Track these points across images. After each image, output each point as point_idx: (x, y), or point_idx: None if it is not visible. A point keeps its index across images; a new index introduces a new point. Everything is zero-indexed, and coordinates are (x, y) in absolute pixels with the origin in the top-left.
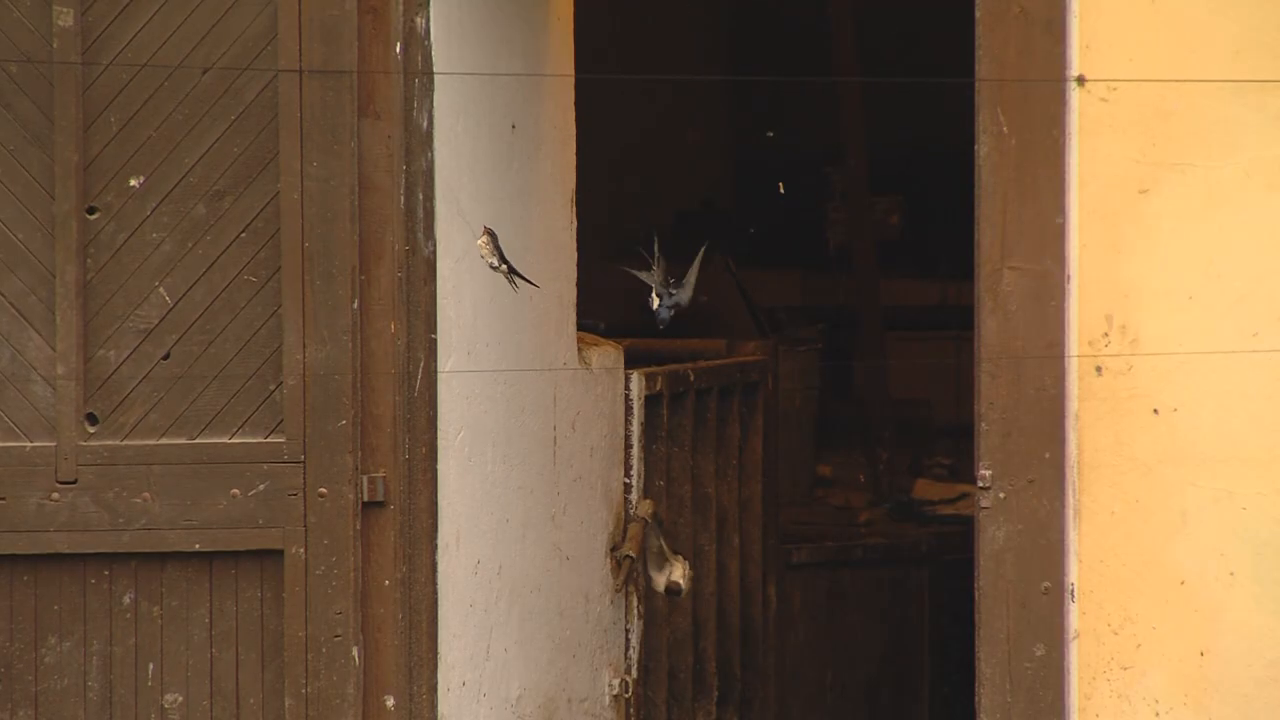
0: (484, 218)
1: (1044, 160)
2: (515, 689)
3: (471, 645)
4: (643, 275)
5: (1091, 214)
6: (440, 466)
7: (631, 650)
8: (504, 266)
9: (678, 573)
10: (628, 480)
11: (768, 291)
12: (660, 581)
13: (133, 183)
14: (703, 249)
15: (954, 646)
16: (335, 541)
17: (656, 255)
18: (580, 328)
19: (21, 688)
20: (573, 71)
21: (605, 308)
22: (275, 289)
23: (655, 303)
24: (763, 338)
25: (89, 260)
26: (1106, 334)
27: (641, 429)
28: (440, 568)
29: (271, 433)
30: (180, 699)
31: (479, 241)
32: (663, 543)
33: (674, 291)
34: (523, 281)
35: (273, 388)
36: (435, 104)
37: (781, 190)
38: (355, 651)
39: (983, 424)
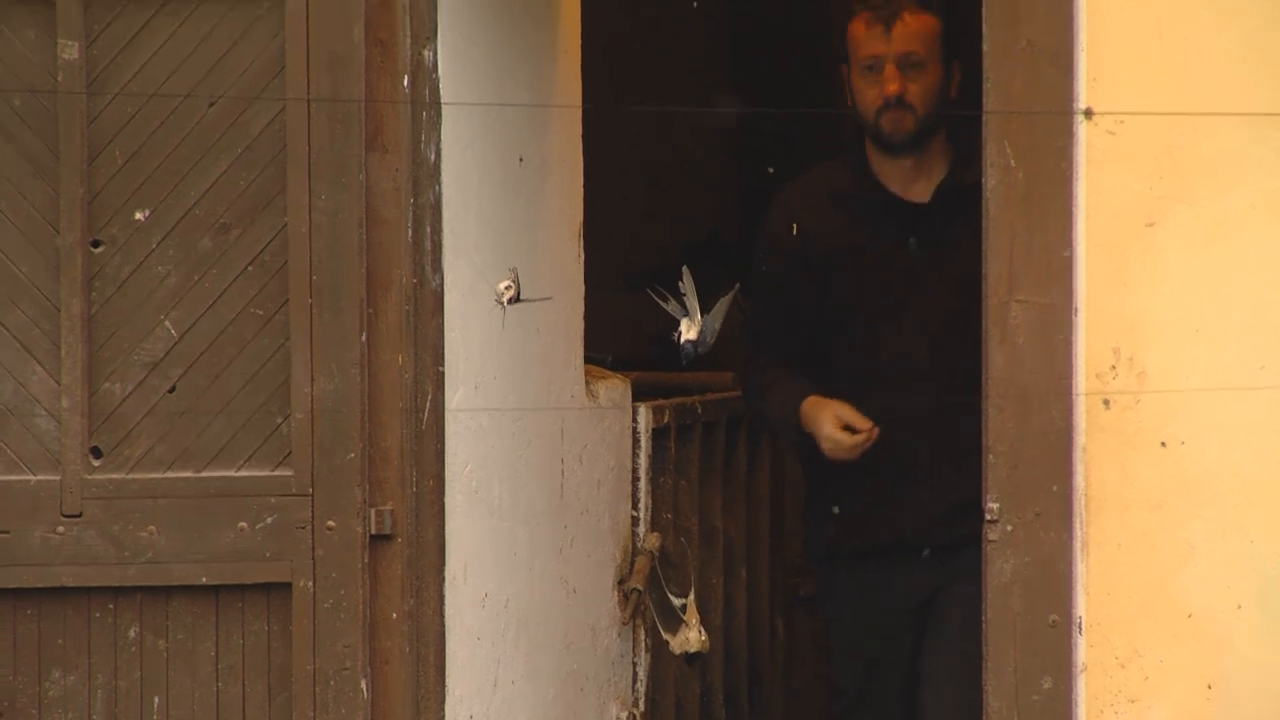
0: (491, 251)
1: (1051, 193)
2: None
3: (479, 678)
4: (670, 308)
5: (1099, 247)
6: (448, 499)
7: (639, 683)
8: (508, 302)
9: (694, 641)
10: (635, 513)
11: None
12: (676, 645)
13: (138, 216)
14: (732, 292)
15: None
16: (343, 574)
17: (688, 288)
18: (587, 360)
19: None
20: (580, 103)
21: (612, 340)
22: (282, 322)
23: (682, 335)
24: None
25: (94, 293)
26: (1114, 366)
27: (649, 462)
28: (448, 600)
29: (279, 465)
30: None
31: (501, 285)
32: (672, 598)
33: (704, 330)
34: (533, 302)
35: (280, 421)
36: (443, 137)
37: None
38: (364, 684)
39: (990, 457)
